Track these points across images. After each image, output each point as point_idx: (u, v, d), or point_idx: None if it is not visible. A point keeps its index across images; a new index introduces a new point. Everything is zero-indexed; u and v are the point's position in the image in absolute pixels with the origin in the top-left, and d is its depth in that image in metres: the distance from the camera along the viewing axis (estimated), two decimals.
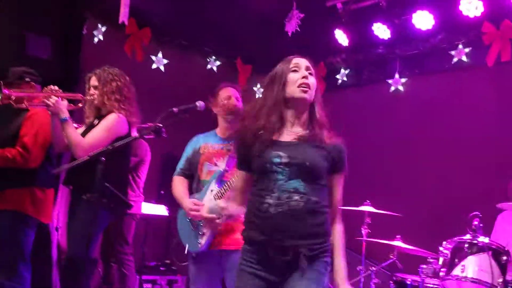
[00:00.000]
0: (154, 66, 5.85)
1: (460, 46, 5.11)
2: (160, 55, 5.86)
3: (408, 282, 3.50)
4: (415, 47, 5.48)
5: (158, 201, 5.77)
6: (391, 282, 3.68)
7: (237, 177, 2.46)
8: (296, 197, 1.98)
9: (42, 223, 3.50)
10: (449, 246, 3.14)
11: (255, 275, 2.03)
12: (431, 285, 3.31)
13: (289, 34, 5.85)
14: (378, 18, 5.38)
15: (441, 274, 3.12)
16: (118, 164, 3.15)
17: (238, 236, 2.93)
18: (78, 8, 5.17)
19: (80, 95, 3.30)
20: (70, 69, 5.05)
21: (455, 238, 3.14)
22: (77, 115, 3.59)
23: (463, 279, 2.97)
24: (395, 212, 3.77)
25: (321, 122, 2.12)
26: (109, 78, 3.25)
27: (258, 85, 6.46)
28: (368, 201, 3.97)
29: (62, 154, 3.73)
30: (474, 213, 3.10)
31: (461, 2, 4.75)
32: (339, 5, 5.66)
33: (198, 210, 2.94)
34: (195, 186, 3.13)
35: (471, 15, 4.75)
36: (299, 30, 5.78)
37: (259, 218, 2.02)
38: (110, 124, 3.18)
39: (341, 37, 5.71)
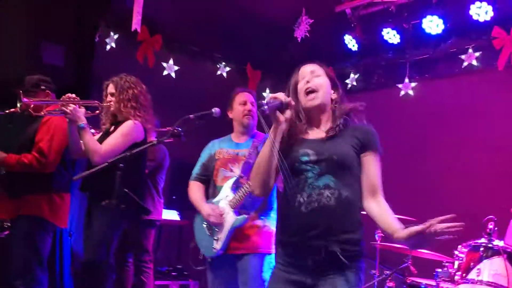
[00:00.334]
0: (165, 72, 5.89)
1: (470, 50, 5.11)
2: (171, 61, 5.90)
3: (423, 286, 3.50)
4: (425, 51, 5.49)
5: (169, 206, 5.80)
6: (405, 286, 3.68)
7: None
8: (327, 193, 1.96)
9: (58, 228, 3.55)
10: (464, 250, 3.14)
11: (287, 281, 2.00)
12: None
13: (299, 39, 5.90)
14: (387, 23, 5.41)
15: (456, 278, 3.12)
16: (135, 170, 3.19)
17: (253, 240, 2.97)
18: (90, 16, 5.23)
19: (97, 102, 3.34)
20: (83, 76, 5.11)
21: (470, 242, 3.14)
22: (92, 121, 3.64)
23: (478, 283, 2.97)
24: (408, 216, 3.78)
25: (344, 111, 2.11)
26: (126, 86, 3.30)
27: (268, 91, 6.49)
28: None
29: (76, 159, 3.76)
30: (489, 216, 3.10)
31: (471, 6, 4.78)
32: (348, 11, 5.70)
33: (215, 216, 2.97)
34: (211, 191, 3.15)
35: (481, 20, 4.77)
36: (308, 35, 5.83)
37: (291, 218, 2.02)
38: (127, 131, 3.22)
39: (351, 42, 5.75)
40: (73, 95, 3.20)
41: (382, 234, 3.98)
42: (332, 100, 2.15)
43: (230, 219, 2.98)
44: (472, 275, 3.02)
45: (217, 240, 3.00)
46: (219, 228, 3.01)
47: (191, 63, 6.12)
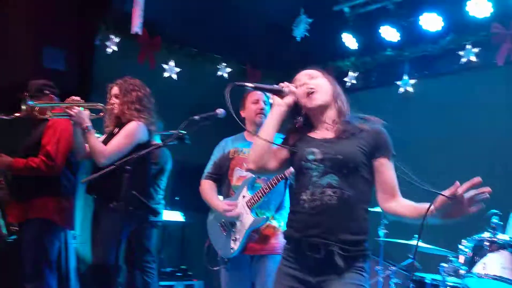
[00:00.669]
0: (166, 74, 5.91)
1: (469, 47, 5.14)
2: (172, 63, 5.92)
3: (428, 282, 3.51)
4: (424, 48, 5.50)
5: (173, 207, 5.82)
6: (410, 281, 3.70)
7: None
8: (329, 192, 1.97)
9: (65, 230, 3.57)
10: (469, 244, 3.16)
11: (291, 276, 2.03)
12: (452, 284, 3.33)
13: (298, 39, 5.93)
14: (385, 21, 5.43)
15: (461, 272, 3.14)
16: (141, 171, 3.20)
17: (271, 241, 2.96)
18: (91, 19, 5.24)
19: (101, 104, 3.36)
20: (84, 79, 5.12)
21: (475, 236, 3.16)
22: (96, 124, 3.65)
23: (484, 277, 2.99)
24: None
25: (343, 112, 2.13)
26: (130, 88, 3.32)
27: None
28: None
29: (80, 162, 3.78)
30: (493, 211, 3.12)
31: (468, 3, 4.80)
32: (346, 9, 5.73)
33: (232, 209, 2.96)
34: (225, 190, 3.13)
35: (480, 16, 4.79)
36: (307, 34, 5.86)
37: (295, 214, 2.05)
38: (130, 132, 3.24)
39: (349, 41, 5.77)
40: (78, 98, 3.23)
41: (386, 231, 4.00)
42: (334, 99, 2.17)
43: (248, 219, 2.96)
44: (478, 269, 3.03)
45: (234, 240, 2.98)
46: (236, 228, 2.99)
47: (192, 64, 6.14)
